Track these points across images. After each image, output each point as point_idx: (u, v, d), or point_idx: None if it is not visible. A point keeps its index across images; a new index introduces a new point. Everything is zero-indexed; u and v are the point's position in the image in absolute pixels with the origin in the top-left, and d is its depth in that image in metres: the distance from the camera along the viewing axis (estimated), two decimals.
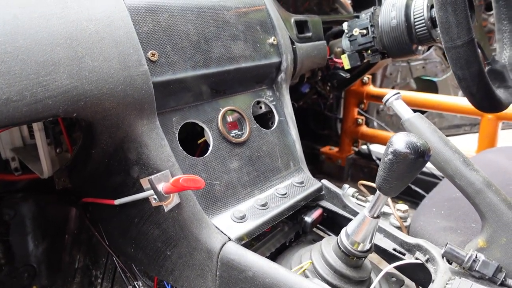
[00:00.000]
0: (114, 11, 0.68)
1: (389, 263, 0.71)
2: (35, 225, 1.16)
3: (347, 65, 1.25)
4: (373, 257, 0.76)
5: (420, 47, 1.14)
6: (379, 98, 2.06)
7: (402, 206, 0.96)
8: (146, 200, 0.73)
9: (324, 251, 0.70)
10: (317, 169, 2.31)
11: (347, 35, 1.21)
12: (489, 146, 1.75)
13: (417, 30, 1.06)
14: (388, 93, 0.78)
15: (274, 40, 1.00)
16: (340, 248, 0.67)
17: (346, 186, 0.96)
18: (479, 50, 0.74)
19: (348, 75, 1.38)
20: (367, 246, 0.66)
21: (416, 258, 0.72)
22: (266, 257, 0.69)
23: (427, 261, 0.71)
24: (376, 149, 2.23)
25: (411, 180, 0.57)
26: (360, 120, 2.16)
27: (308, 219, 0.87)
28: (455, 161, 0.70)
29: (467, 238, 0.83)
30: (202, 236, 0.71)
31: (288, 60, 1.03)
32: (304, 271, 0.71)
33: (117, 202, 0.77)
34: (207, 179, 0.78)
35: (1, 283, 1.10)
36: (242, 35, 0.92)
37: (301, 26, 1.20)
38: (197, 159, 0.78)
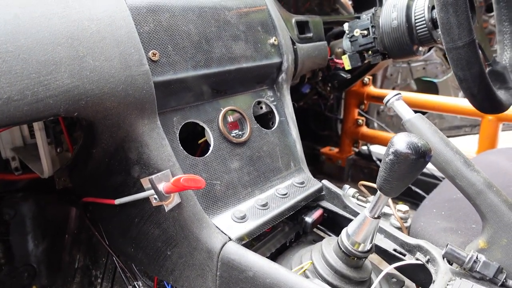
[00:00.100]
0: (116, 10, 0.68)
1: (390, 263, 0.71)
2: (35, 225, 1.16)
3: (347, 66, 1.25)
4: (374, 257, 0.76)
5: (421, 48, 1.14)
6: (379, 99, 2.07)
7: (403, 207, 0.96)
8: (146, 199, 0.73)
9: (324, 252, 0.70)
10: (317, 170, 2.31)
11: (348, 35, 1.22)
12: (490, 147, 1.75)
13: (418, 31, 1.06)
14: (389, 94, 0.78)
15: (275, 40, 1.00)
16: (340, 249, 0.67)
17: (346, 186, 0.96)
18: (480, 51, 0.74)
19: (348, 76, 1.38)
20: (368, 247, 0.66)
21: (417, 259, 0.72)
22: (267, 257, 0.69)
23: (427, 261, 0.71)
24: (376, 150, 2.23)
25: (412, 180, 0.57)
26: (360, 121, 2.16)
27: (309, 219, 0.87)
28: (456, 162, 0.70)
29: (467, 239, 0.83)
30: (203, 236, 0.71)
31: (289, 60, 1.03)
32: (304, 271, 0.71)
33: (117, 201, 0.77)
34: (208, 179, 0.78)
35: (1, 282, 1.10)
36: (243, 35, 0.92)
37: (302, 27, 1.20)
38: (198, 159, 0.78)
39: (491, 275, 0.63)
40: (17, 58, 0.54)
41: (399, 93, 0.78)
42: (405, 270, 0.75)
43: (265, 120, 1.01)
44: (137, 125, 0.69)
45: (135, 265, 1.00)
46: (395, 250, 0.76)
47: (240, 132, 0.89)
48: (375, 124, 2.33)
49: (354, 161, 2.25)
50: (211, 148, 0.82)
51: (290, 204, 0.84)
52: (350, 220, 0.70)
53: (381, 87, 2.34)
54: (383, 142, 2.11)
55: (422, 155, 0.53)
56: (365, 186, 1.07)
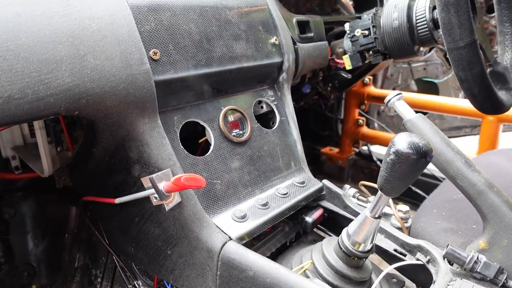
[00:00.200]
0: (117, 9, 0.68)
1: (390, 264, 0.71)
2: (35, 224, 1.16)
3: (348, 66, 1.25)
4: (374, 257, 0.76)
5: (421, 48, 1.14)
6: (380, 99, 2.07)
7: (403, 207, 0.96)
8: (147, 199, 0.73)
9: (325, 251, 0.70)
10: (318, 170, 2.31)
11: (349, 35, 1.22)
12: (490, 148, 1.75)
13: (419, 31, 1.06)
14: (390, 94, 0.78)
15: (276, 40, 1.00)
16: (341, 248, 0.67)
17: (347, 186, 0.96)
18: (481, 52, 0.74)
19: (349, 76, 1.38)
20: (368, 247, 0.66)
21: (417, 259, 0.72)
22: (267, 257, 0.69)
23: (428, 262, 0.71)
24: (377, 150, 2.23)
25: (413, 180, 0.57)
26: (360, 121, 2.16)
27: (309, 219, 0.87)
28: (457, 162, 0.70)
29: (468, 240, 0.83)
30: (203, 235, 0.71)
31: (290, 60, 1.03)
32: (304, 271, 0.71)
33: (117, 201, 0.77)
34: (208, 178, 0.78)
35: (0, 282, 1.10)
36: (244, 34, 0.92)
37: (303, 27, 1.20)
38: (198, 158, 0.78)
39: (492, 276, 0.63)
40: (18, 57, 0.54)
41: (400, 93, 0.78)
42: (406, 270, 0.75)
43: (265, 119, 1.01)
44: (138, 124, 0.69)
45: (135, 264, 1.00)
46: (395, 250, 0.76)
47: (240, 132, 0.89)
48: (376, 124, 2.33)
49: (354, 161, 2.25)
50: (211, 147, 0.82)
51: (290, 203, 0.84)
52: (350, 220, 0.70)
53: (381, 88, 2.34)
54: (384, 142, 2.11)
55: (423, 155, 0.53)
56: (365, 186, 1.07)
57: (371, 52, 1.19)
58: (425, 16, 1.03)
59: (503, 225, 0.67)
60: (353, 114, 2.17)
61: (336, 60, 1.31)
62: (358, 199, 0.96)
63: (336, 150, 2.29)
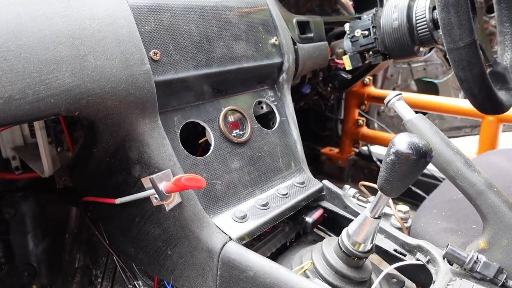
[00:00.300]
0: (117, 10, 0.68)
1: (390, 264, 0.71)
2: (35, 224, 1.16)
3: (348, 66, 1.25)
4: (374, 258, 0.76)
5: (421, 49, 1.14)
6: (380, 99, 2.07)
7: (403, 207, 0.96)
8: (147, 199, 0.73)
9: (325, 252, 0.70)
10: (318, 170, 2.31)
11: (348, 36, 1.22)
12: (490, 148, 1.75)
13: (419, 31, 1.06)
14: (390, 94, 0.78)
15: (276, 40, 1.00)
16: (341, 249, 0.67)
17: (347, 186, 0.96)
18: (481, 52, 0.74)
19: (349, 76, 1.38)
20: (368, 247, 0.66)
21: (417, 259, 0.72)
22: (267, 257, 0.69)
23: (428, 262, 0.71)
24: (377, 150, 2.23)
25: (413, 181, 0.57)
26: (360, 121, 2.16)
27: (309, 219, 0.87)
28: (456, 162, 0.70)
29: (468, 240, 0.83)
30: (203, 235, 0.71)
31: (290, 60, 1.03)
32: (305, 271, 0.71)
33: (118, 201, 0.77)
34: (208, 178, 0.78)
35: (1, 282, 1.10)
36: (244, 35, 0.92)
37: (303, 27, 1.20)
38: (199, 159, 0.78)
39: (492, 276, 0.63)
40: (19, 57, 0.54)
41: (400, 93, 0.78)
42: (406, 270, 0.75)
43: (265, 120, 1.01)
44: (138, 125, 0.69)
45: (135, 264, 1.00)
46: (395, 250, 0.76)
47: (240, 132, 0.90)
48: (376, 125, 2.34)
49: (354, 162, 2.25)
50: (211, 147, 0.82)
51: (290, 204, 0.84)
52: (350, 220, 0.70)
53: (381, 88, 2.34)
54: (384, 143, 2.12)
55: (423, 155, 0.53)
56: (365, 186, 1.07)
57: (371, 52, 1.19)
58: (425, 17, 1.04)
59: (503, 225, 0.67)
60: (353, 115, 2.17)
61: (336, 60, 1.31)
62: (358, 199, 0.96)
63: (336, 150, 2.29)
